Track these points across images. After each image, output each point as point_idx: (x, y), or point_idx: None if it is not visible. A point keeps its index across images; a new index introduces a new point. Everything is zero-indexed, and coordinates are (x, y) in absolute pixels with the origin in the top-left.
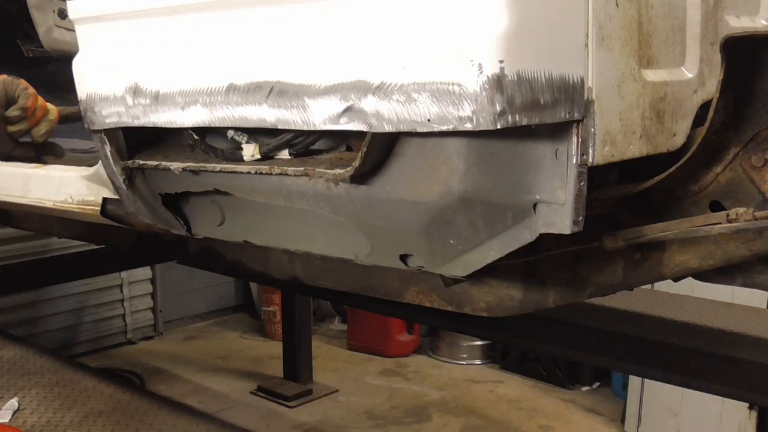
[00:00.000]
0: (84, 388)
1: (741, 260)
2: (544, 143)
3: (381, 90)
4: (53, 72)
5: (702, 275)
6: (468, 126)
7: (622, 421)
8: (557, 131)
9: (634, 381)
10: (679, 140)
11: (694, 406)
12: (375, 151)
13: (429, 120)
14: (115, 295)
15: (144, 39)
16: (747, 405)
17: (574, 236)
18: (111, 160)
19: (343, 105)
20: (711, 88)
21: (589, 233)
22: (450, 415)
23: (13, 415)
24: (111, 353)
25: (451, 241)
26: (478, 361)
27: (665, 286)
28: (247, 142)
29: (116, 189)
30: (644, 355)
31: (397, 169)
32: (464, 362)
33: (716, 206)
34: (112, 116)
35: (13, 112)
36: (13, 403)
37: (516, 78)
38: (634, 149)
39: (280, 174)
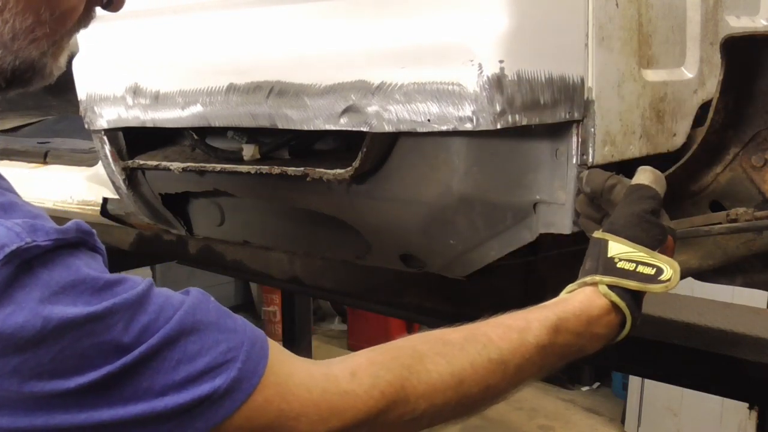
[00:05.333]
0: None
1: (741, 260)
2: (543, 143)
3: (381, 90)
4: None
5: (702, 275)
6: (468, 126)
7: (622, 421)
8: (557, 131)
9: (634, 381)
10: (679, 140)
11: (694, 406)
12: (375, 151)
13: (429, 120)
14: None
15: (144, 39)
16: (747, 405)
17: (574, 236)
18: (111, 160)
19: (343, 105)
20: (711, 88)
21: None
22: None
23: None
24: None
25: (451, 241)
26: None
27: None
28: (247, 143)
29: (116, 189)
30: (644, 355)
31: (397, 169)
32: None
33: (716, 206)
34: (112, 116)
35: None
36: None
37: (516, 78)
38: (634, 149)
39: (280, 174)
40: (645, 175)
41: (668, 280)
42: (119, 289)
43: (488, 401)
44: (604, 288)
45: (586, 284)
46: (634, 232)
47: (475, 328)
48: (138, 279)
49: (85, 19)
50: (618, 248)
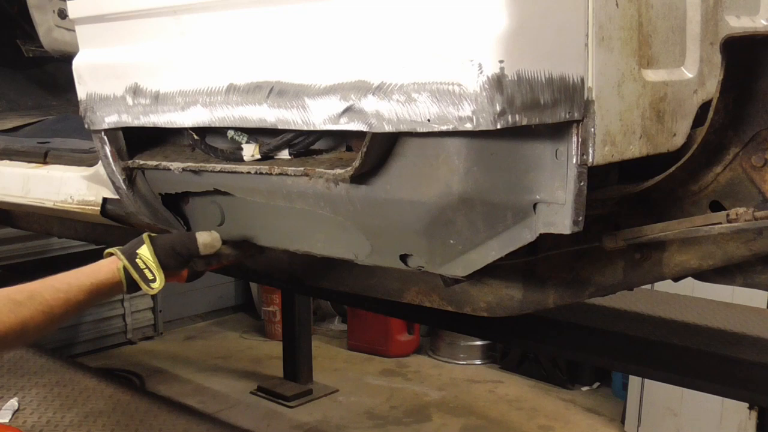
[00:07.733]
0: (84, 388)
1: (741, 260)
2: (544, 143)
3: (381, 90)
4: (53, 72)
5: (702, 275)
6: (468, 126)
7: (622, 421)
8: (557, 131)
9: (634, 381)
10: (679, 140)
11: (694, 406)
12: (375, 151)
13: (429, 120)
14: None
15: (144, 39)
16: (747, 405)
17: (574, 236)
18: (111, 160)
19: (343, 105)
20: (711, 88)
21: (589, 233)
22: (450, 415)
23: (13, 414)
24: (111, 353)
25: (451, 241)
26: (477, 361)
27: (665, 286)
28: (247, 142)
29: (116, 189)
30: (644, 355)
31: (397, 169)
32: (464, 362)
33: (716, 206)
34: (112, 116)
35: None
36: (13, 403)
37: (516, 78)
38: (634, 149)
39: (280, 174)
40: (203, 237)
41: (153, 288)
42: None
43: (42, 334)
44: (120, 266)
45: (115, 256)
46: (162, 251)
47: (35, 290)
48: None
49: None
50: (146, 252)
